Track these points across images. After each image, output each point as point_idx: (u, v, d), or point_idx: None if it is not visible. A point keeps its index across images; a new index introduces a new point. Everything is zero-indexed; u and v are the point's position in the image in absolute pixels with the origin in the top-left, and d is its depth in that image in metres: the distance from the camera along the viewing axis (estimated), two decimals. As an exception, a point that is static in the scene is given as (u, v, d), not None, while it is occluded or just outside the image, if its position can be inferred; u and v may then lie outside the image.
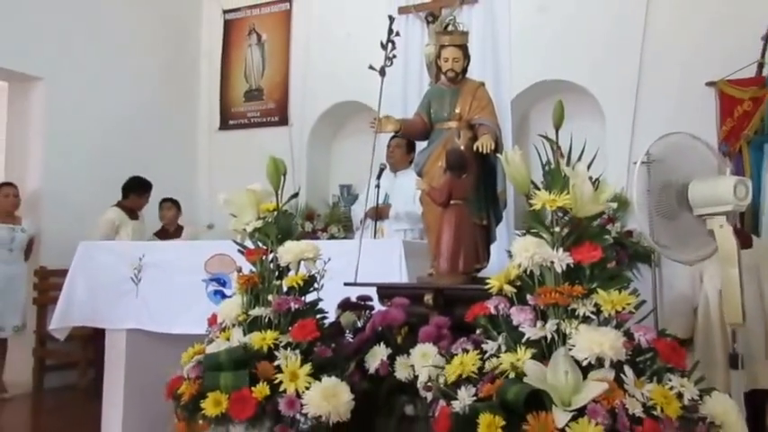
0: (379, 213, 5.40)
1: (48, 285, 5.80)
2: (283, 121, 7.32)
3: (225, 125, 7.63)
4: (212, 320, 2.05)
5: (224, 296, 3.82)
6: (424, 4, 6.58)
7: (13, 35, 5.75)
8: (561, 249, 1.60)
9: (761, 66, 4.84)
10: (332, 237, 6.38)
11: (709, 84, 5.08)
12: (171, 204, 6.22)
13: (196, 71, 7.75)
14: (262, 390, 1.73)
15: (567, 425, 1.41)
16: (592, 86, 5.76)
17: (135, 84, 6.85)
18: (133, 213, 5.91)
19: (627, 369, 1.49)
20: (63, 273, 4.64)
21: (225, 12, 7.70)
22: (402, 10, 6.61)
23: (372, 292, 2.27)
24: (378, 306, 2.24)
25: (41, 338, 5.78)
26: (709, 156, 2.73)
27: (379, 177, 5.43)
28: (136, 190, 5.90)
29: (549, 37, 5.87)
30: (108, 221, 5.71)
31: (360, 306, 2.20)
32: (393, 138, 5.82)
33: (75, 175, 6.10)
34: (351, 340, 2.08)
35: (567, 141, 1.82)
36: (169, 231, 6.17)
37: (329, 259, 2.08)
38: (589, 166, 1.69)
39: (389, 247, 3.36)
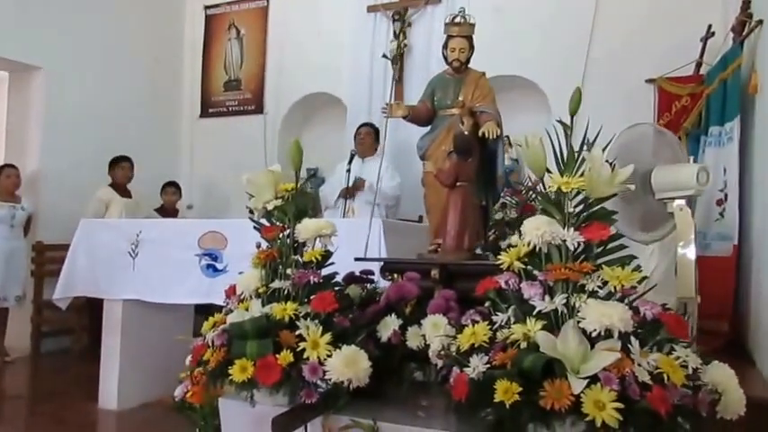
0: (356, 186, 5.32)
1: (45, 259, 5.69)
2: (259, 109, 7.22)
3: (205, 113, 7.49)
4: (230, 292, 1.94)
5: (216, 270, 3.78)
6: (391, 4, 6.50)
7: (14, 28, 5.69)
8: (572, 228, 1.54)
9: (699, 65, 4.83)
10: (301, 216, 6.32)
11: (649, 80, 5.06)
12: (175, 190, 6.40)
13: (179, 63, 7.58)
14: (286, 357, 1.65)
15: (582, 391, 1.36)
16: (542, 82, 5.76)
17: (124, 74, 6.73)
18: (123, 191, 5.79)
19: (633, 340, 1.45)
20: (59, 247, 4.51)
21: (206, 7, 7.53)
22: (371, 9, 6.53)
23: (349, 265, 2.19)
24: (379, 280, 2.17)
25: (39, 307, 5.68)
26: (672, 145, 2.71)
27: (350, 162, 5.38)
28: (111, 164, 5.88)
29: (504, 35, 5.82)
30: (97, 200, 5.67)
31: (363, 280, 2.12)
32: (362, 126, 5.75)
33: (71, 157, 5.98)
34: (358, 311, 2.00)
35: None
36: (169, 211, 6.24)
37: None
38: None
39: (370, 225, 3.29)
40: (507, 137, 5.11)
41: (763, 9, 3.80)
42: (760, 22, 3.80)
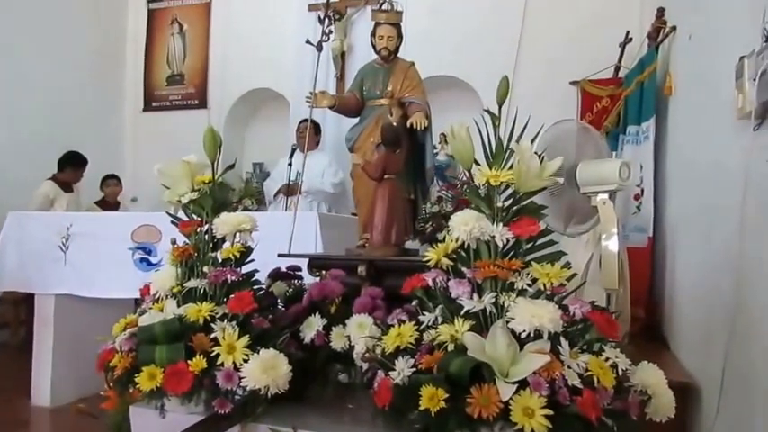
0: (292, 189, 5.14)
1: (-22, 253, 5.12)
2: (202, 104, 6.88)
3: (148, 107, 7.07)
4: (145, 291, 1.68)
5: (150, 264, 3.50)
6: (331, 3, 6.22)
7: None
8: (501, 224, 1.37)
9: (617, 69, 4.86)
10: (245, 209, 6.03)
11: (573, 83, 5.06)
12: (117, 182, 5.97)
13: (122, 55, 7.10)
14: (198, 363, 1.41)
15: (510, 398, 1.19)
16: (474, 82, 5.67)
17: (64, 65, 6.20)
18: (68, 187, 5.35)
19: (562, 341, 1.29)
20: (-7, 240, 4.08)
21: (149, 2, 7.07)
22: (312, 8, 6.24)
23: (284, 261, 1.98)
24: (306, 276, 1.96)
25: (-29, 301, 5.13)
26: (596, 141, 2.59)
27: (291, 156, 5.16)
28: (72, 164, 5.34)
29: (440, 37, 5.75)
30: (42, 195, 5.14)
31: (290, 276, 1.90)
32: (302, 122, 5.52)
33: (6, 150, 5.44)
34: (282, 309, 1.78)
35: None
36: (110, 204, 5.81)
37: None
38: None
39: (306, 219, 3.08)
40: (443, 134, 5.00)
41: (677, 16, 3.80)
42: (674, 28, 3.80)
